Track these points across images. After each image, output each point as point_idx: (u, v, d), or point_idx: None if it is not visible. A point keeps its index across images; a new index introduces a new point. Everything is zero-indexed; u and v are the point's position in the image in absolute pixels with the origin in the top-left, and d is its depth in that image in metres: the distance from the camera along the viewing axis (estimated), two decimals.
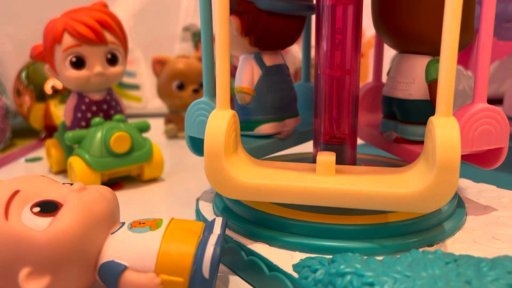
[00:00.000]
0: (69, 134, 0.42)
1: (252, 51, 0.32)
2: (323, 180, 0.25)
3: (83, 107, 0.44)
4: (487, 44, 0.26)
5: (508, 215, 0.29)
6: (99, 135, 0.41)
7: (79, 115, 0.44)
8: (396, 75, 0.31)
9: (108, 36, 0.42)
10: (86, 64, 0.42)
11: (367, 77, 0.99)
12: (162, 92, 0.72)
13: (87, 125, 0.44)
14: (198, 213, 0.33)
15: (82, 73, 0.42)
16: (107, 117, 0.45)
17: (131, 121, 0.46)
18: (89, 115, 0.44)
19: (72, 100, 0.44)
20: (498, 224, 0.28)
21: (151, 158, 0.45)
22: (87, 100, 0.44)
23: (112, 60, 0.43)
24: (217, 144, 0.24)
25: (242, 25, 0.30)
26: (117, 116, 0.44)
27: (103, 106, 0.44)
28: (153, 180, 0.47)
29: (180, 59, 0.71)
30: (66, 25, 0.41)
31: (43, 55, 0.44)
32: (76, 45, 0.41)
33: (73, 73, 0.42)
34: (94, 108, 0.44)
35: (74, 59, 0.41)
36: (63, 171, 0.49)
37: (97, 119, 0.43)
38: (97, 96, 0.44)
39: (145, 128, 0.46)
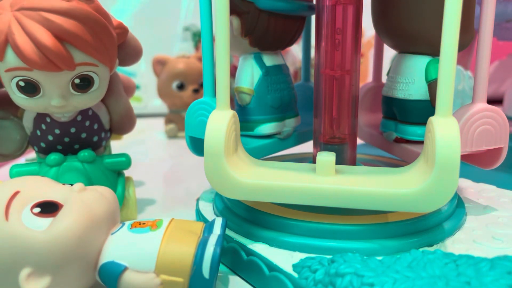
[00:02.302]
0: (13, 170, 0.31)
1: (252, 51, 0.32)
2: (323, 180, 0.25)
3: (43, 127, 0.31)
4: (487, 44, 0.26)
5: (508, 215, 0.29)
6: None
7: (38, 133, 0.32)
8: (395, 75, 0.31)
9: (77, 57, 0.27)
10: (40, 90, 0.28)
11: (367, 77, 0.99)
12: (162, 92, 0.72)
13: (49, 150, 0.32)
14: (198, 213, 0.33)
15: (35, 101, 0.28)
16: (76, 142, 0.32)
17: None
18: (50, 138, 0.32)
19: (30, 112, 0.32)
20: (498, 224, 0.28)
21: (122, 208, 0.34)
22: (48, 120, 0.31)
23: (83, 86, 0.29)
24: (217, 144, 0.24)
25: (242, 25, 0.30)
26: (83, 154, 0.32)
27: (70, 130, 0.31)
28: (153, 180, 0.47)
29: (180, 59, 0.71)
30: (9, 34, 0.26)
31: None
32: (23, 69, 0.27)
33: (22, 99, 0.29)
34: (57, 131, 0.31)
35: (22, 84, 0.28)
36: None
37: (52, 157, 0.31)
38: (62, 118, 0.31)
39: (121, 166, 0.34)
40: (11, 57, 0.27)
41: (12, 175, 0.31)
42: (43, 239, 0.20)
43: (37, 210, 0.21)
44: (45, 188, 0.23)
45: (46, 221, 0.21)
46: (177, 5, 1.04)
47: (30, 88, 0.28)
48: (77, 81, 0.28)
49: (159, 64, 0.71)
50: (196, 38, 1.00)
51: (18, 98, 0.29)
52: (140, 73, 0.91)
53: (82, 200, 0.22)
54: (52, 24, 0.26)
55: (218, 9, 0.24)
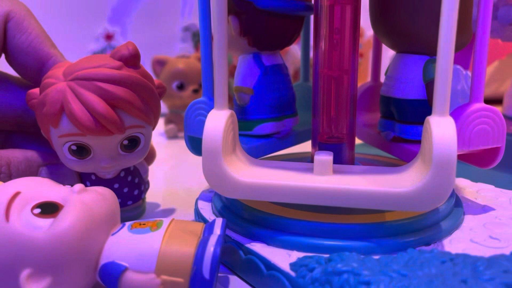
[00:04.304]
0: None
1: (250, 51, 0.32)
2: (320, 180, 0.25)
3: (88, 184, 0.32)
4: (484, 44, 0.26)
5: (506, 215, 0.30)
6: None
7: None
8: (393, 75, 0.31)
9: (127, 120, 0.29)
10: (91, 153, 0.30)
11: (366, 77, 0.99)
12: None
13: None
14: (197, 212, 0.33)
15: (86, 162, 0.30)
16: (118, 197, 0.29)
17: None
18: None
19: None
20: (496, 224, 0.28)
21: None
22: (93, 177, 0.33)
23: (130, 146, 0.31)
24: (215, 144, 0.24)
25: (240, 25, 0.30)
26: None
27: (113, 186, 0.33)
28: (153, 180, 0.47)
29: (180, 59, 0.72)
30: (64, 103, 0.27)
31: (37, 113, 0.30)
32: (77, 134, 0.28)
33: (73, 161, 0.30)
34: None
35: (74, 147, 0.29)
36: None
37: None
38: (107, 175, 0.33)
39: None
40: (65, 124, 0.28)
41: None
42: (43, 240, 0.20)
43: (38, 210, 0.21)
44: (46, 189, 0.23)
45: (46, 222, 0.21)
46: (177, 5, 1.04)
47: (82, 152, 0.29)
48: (125, 142, 0.30)
49: (158, 64, 0.71)
50: (196, 38, 1.00)
51: (69, 160, 0.30)
52: None
53: (82, 201, 0.22)
54: (106, 92, 0.28)
55: (216, 9, 0.24)
